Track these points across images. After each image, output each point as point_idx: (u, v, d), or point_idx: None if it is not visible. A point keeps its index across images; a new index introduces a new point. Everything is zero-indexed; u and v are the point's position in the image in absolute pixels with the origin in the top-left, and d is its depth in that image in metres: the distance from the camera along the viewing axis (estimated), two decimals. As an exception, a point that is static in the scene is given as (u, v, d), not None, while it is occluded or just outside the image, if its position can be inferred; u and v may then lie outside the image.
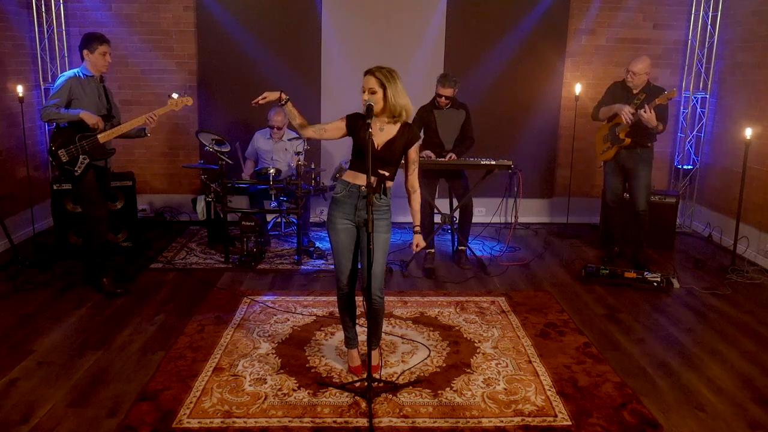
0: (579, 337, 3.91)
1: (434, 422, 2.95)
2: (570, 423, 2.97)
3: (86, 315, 4.11)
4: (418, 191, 3.30)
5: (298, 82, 6.24)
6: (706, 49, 6.30)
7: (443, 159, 5.05)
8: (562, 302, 4.50)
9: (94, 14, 6.21)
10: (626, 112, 4.86)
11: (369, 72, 3.07)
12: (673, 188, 6.70)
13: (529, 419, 2.99)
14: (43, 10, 5.95)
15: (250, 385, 3.26)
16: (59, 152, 4.22)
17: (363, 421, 2.94)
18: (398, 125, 3.14)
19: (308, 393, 3.20)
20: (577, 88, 5.90)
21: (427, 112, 5.16)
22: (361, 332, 3.49)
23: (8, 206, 5.42)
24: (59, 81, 4.26)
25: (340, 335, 3.67)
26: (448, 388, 3.27)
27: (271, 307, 4.29)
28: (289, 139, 5.74)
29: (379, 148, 3.10)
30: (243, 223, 5.12)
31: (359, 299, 3.51)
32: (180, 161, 6.51)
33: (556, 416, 3.03)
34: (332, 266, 5.05)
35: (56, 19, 6.06)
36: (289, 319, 4.12)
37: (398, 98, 3.06)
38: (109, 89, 4.53)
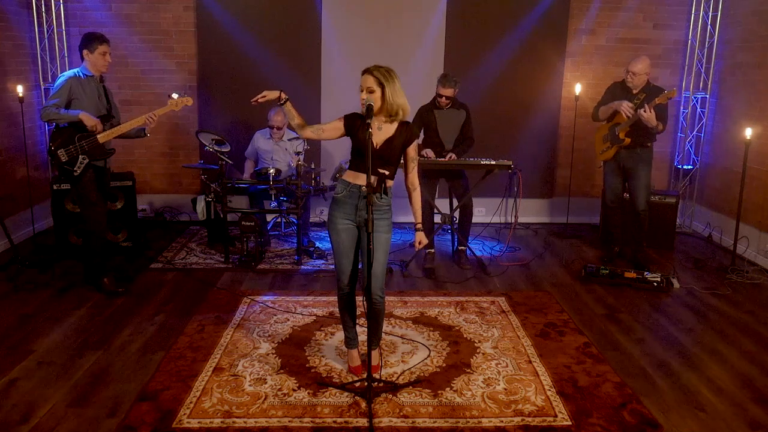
0: (579, 337, 3.91)
1: (434, 422, 2.95)
2: (570, 423, 2.97)
3: (86, 315, 4.11)
4: (419, 189, 3.30)
5: (298, 82, 6.24)
6: (706, 49, 6.30)
7: (443, 159, 5.05)
8: (562, 302, 4.50)
9: (94, 14, 6.21)
10: (626, 107, 4.86)
11: (367, 71, 3.07)
12: (673, 188, 6.70)
13: (529, 419, 2.99)
14: (43, 10, 5.95)
15: (250, 385, 3.26)
16: (59, 152, 4.22)
17: (363, 421, 2.94)
18: (396, 124, 3.15)
19: (308, 393, 3.20)
20: (577, 88, 5.90)
21: (428, 112, 5.16)
22: (361, 332, 3.49)
23: (8, 206, 5.42)
24: (59, 81, 4.26)
25: (340, 335, 3.67)
26: (448, 388, 3.27)
27: (271, 307, 4.29)
28: (289, 139, 5.74)
29: (378, 147, 3.10)
30: (243, 223, 5.12)
31: (360, 299, 3.51)
32: (180, 161, 6.51)
33: (556, 416, 3.03)
34: (332, 266, 5.06)
35: (56, 19, 6.06)
36: (289, 319, 4.11)
37: (396, 97, 3.06)
38: (109, 89, 4.53)
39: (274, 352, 3.65)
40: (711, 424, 3.00)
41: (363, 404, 3.07)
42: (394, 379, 3.34)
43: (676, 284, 4.83)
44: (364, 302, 3.12)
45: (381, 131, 3.13)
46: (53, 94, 4.21)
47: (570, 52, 6.51)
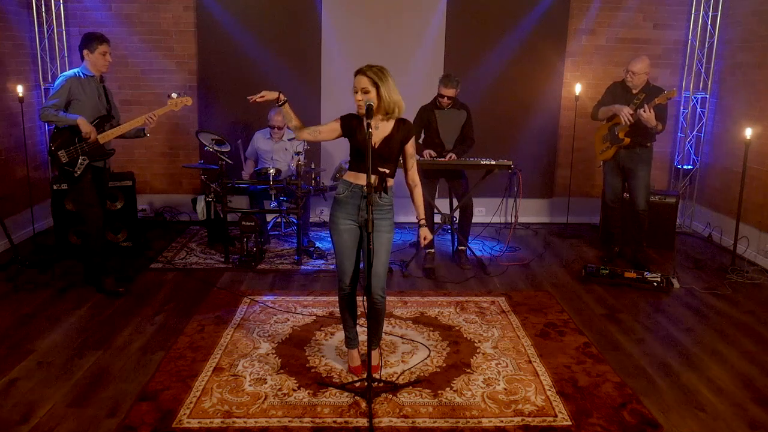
0: (579, 337, 3.91)
1: (434, 422, 2.95)
2: (570, 423, 2.97)
3: (86, 315, 4.11)
4: (419, 185, 3.31)
5: (298, 82, 6.24)
6: (706, 49, 6.30)
7: (443, 159, 5.05)
8: (562, 302, 4.50)
9: (94, 14, 6.21)
10: (625, 114, 4.86)
11: (360, 72, 3.06)
12: (673, 188, 6.70)
13: (529, 419, 2.99)
14: (43, 10, 5.95)
15: (250, 385, 3.26)
16: (59, 153, 4.22)
17: (363, 421, 2.94)
18: (393, 121, 3.15)
19: (308, 393, 3.20)
20: (577, 88, 5.90)
21: (428, 112, 5.17)
22: (362, 332, 3.49)
23: (8, 206, 5.42)
24: (59, 81, 4.26)
25: (340, 335, 3.67)
26: (448, 388, 3.27)
27: (271, 307, 4.29)
28: (289, 139, 5.74)
29: (376, 146, 3.09)
30: (243, 223, 5.12)
31: (360, 299, 3.51)
32: (180, 161, 6.51)
33: (556, 416, 3.03)
34: (332, 266, 5.06)
35: (56, 19, 6.06)
36: (289, 319, 4.11)
37: (392, 95, 3.06)
38: (109, 89, 4.53)
39: (274, 352, 3.65)
40: (711, 424, 3.00)
41: (363, 404, 3.07)
42: (394, 379, 3.34)
43: (676, 284, 4.83)
44: (365, 302, 3.12)
45: (379, 130, 3.13)
46: (53, 95, 4.21)
47: (570, 52, 6.51)
